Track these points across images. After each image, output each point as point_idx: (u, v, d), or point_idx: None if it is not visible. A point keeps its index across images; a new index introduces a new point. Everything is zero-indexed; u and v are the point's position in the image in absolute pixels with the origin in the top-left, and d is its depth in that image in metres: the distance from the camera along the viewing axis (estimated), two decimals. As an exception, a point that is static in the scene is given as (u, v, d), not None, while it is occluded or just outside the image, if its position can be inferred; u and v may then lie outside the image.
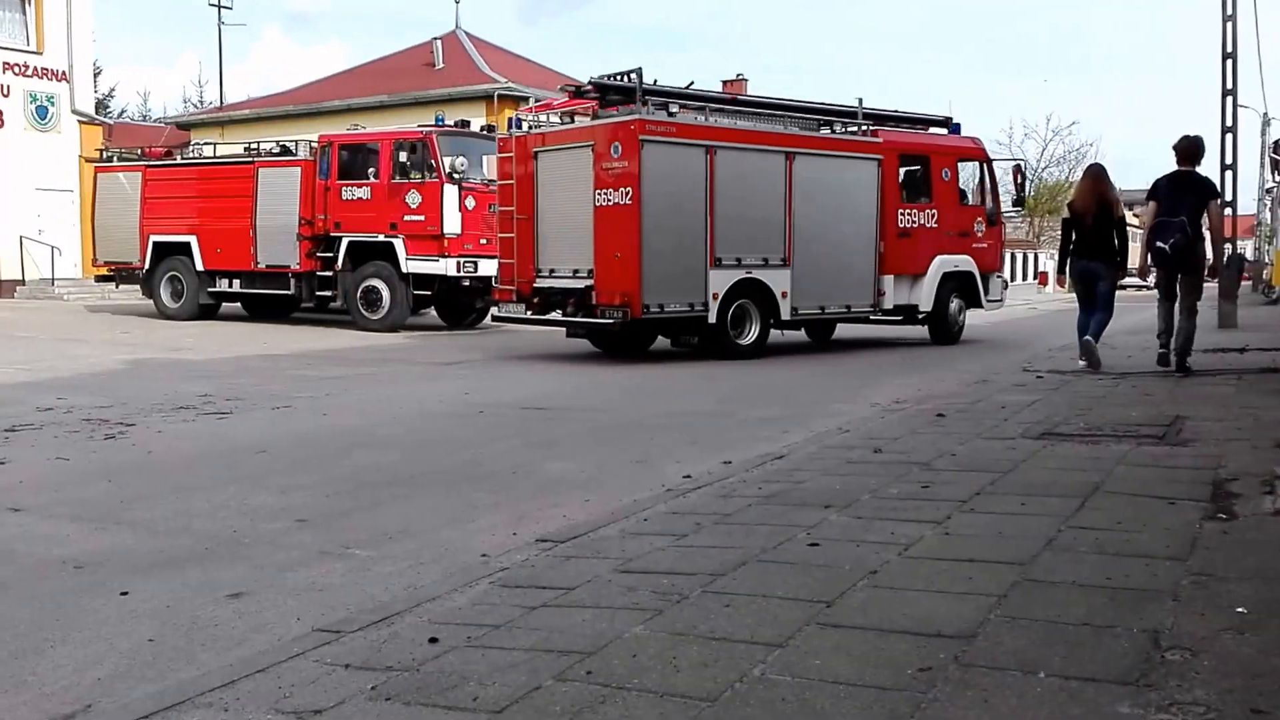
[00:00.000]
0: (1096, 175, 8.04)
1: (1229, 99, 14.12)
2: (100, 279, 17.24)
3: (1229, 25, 13.97)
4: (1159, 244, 7.03)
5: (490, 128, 15.36)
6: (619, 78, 9.88)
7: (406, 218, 13.49)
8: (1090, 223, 7.67)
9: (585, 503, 4.03)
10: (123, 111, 38.71)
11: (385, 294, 13.83)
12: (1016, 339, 13.61)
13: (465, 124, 14.57)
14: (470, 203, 13.54)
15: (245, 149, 15.57)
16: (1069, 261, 7.93)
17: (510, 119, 11.23)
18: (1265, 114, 25.01)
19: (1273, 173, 22.20)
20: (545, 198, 10.23)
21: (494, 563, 3.07)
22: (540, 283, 10.34)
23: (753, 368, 9.84)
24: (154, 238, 15.49)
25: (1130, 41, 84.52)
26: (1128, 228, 7.91)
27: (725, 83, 35.27)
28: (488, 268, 13.44)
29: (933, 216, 12.00)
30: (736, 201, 10.04)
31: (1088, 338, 7.76)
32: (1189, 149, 7.34)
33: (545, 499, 4.12)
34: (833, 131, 11.55)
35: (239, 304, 16.19)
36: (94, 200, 16.32)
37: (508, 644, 2.32)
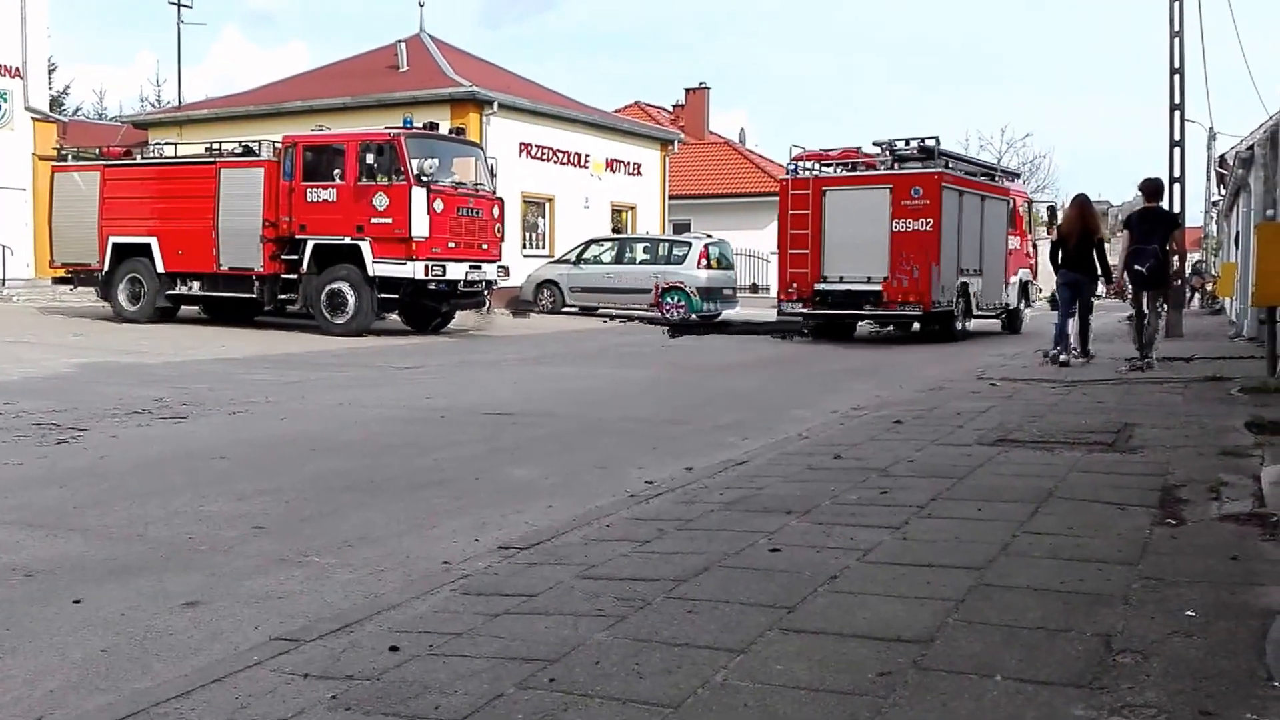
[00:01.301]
0: (1081, 204, 9.84)
1: (1176, 113, 14.60)
2: (58, 280, 16.58)
3: (1176, 41, 14.46)
4: (1137, 267, 8.78)
5: (459, 130, 15.19)
6: (911, 143, 14.10)
7: (374, 220, 13.28)
8: (1074, 242, 9.42)
9: (548, 509, 4.00)
10: (78, 109, 37.69)
11: (350, 298, 13.53)
12: (973, 348, 13.88)
13: (434, 126, 14.29)
14: (439, 205, 13.32)
15: (207, 149, 15.16)
16: (1057, 273, 9.63)
17: (790, 165, 14.77)
18: (1211, 128, 25.93)
19: (1218, 186, 23.00)
20: (832, 224, 13.93)
21: (456, 570, 3.03)
22: (821, 287, 13.96)
23: (714, 375, 9.90)
24: (113, 239, 15.00)
25: (1082, 56, 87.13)
26: (1105, 246, 9.85)
27: (687, 90, 35.59)
28: (456, 271, 13.54)
29: (1018, 242, 16.73)
30: (971, 230, 14.56)
31: (1059, 349, 9.41)
32: (1154, 189, 9.33)
33: (507, 505, 4.09)
34: (992, 180, 16.17)
35: (198, 307, 15.73)
36: (51, 200, 15.78)
37: (469, 652, 2.29)
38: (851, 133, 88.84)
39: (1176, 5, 14.37)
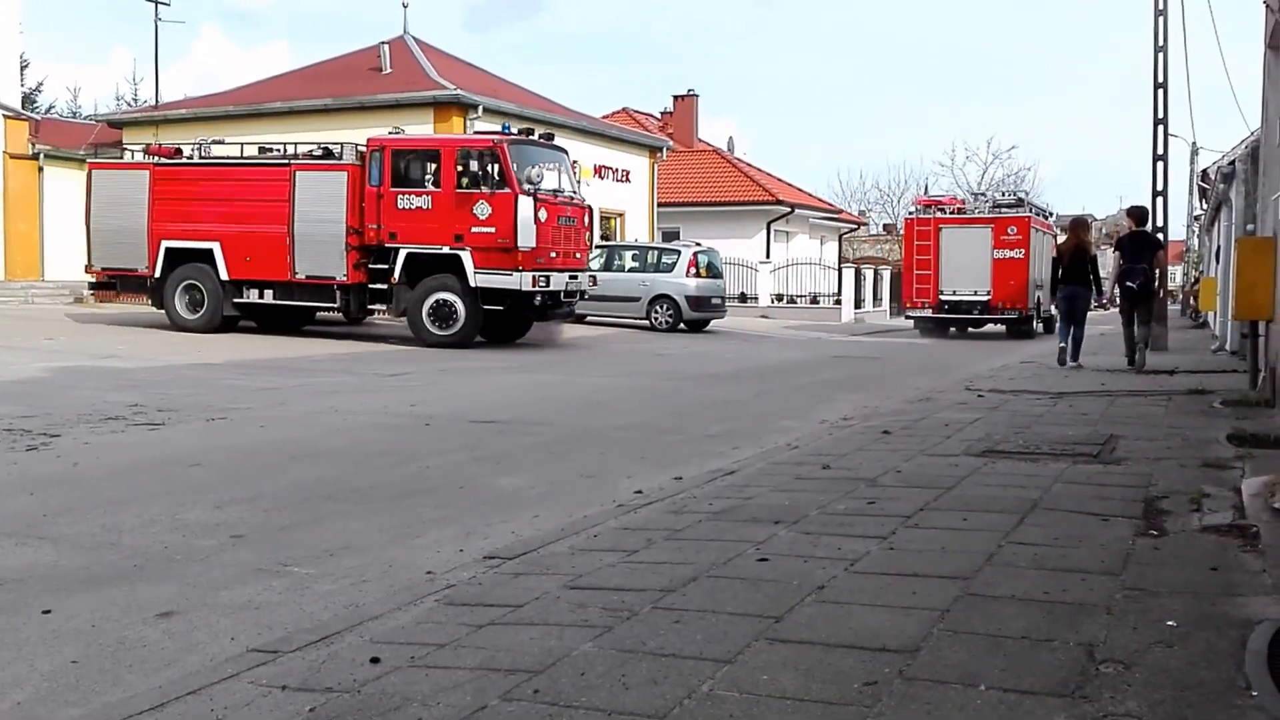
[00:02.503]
0: (1075, 227, 11.34)
1: (1160, 128, 14.78)
2: (95, 286, 15.43)
3: (1160, 56, 14.65)
4: (1128, 284, 10.24)
5: (549, 136, 14.35)
6: (1008, 194, 21.07)
7: (474, 229, 12.71)
8: (1069, 260, 10.79)
9: (534, 518, 3.99)
10: (51, 107, 37.27)
11: (460, 309, 12.88)
12: (960, 359, 13.97)
13: (530, 133, 13.85)
14: (543, 215, 12.77)
15: (254, 149, 14.28)
16: (1057, 287, 11.02)
17: (913, 208, 20.35)
18: (1194, 143, 26.24)
19: (1201, 200, 23.29)
20: (948, 252, 18.85)
21: (440, 580, 3.02)
22: (942, 298, 18.93)
23: (704, 385, 9.91)
24: (166, 243, 14.01)
25: (1068, 70, 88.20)
26: (1098, 263, 11.24)
27: (676, 98, 35.71)
28: (558, 281, 13.24)
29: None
30: (1039, 256, 18.72)
31: (1064, 344, 10.72)
32: (1141, 216, 11.22)
33: (493, 514, 4.07)
34: (1044, 218, 21.01)
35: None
36: (89, 201, 14.70)
37: (452, 663, 2.27)
38: (840, 142, 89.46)
39: (1161, 20, 14.58)
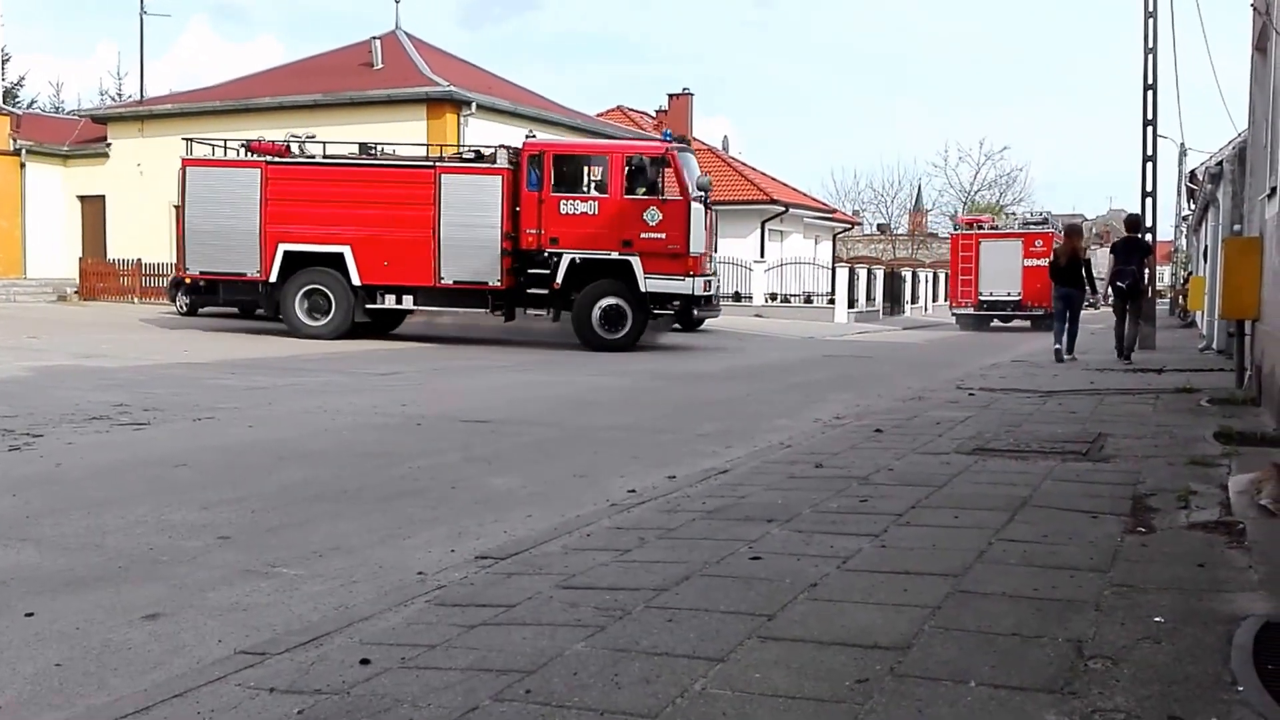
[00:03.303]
0: (1070, 232, 12.54)
1: (1149, 129, 14.87)
2: (187, 290, 14.55)
3: (1150, 58, 14.73)
4: (1119, 284, 11.57)
5: (683, 139, 14.76)
6: (1036, 214, 24.85)
7: (644, 235, 12.83)
8: (1065, 263, 11.78)
9: (527, 518, 3.98)
10: (33, 102, 36.96)
11: (629, 312, 13.04)
12: (950, 358, 14.02)
13: (683, 140, 14.19)
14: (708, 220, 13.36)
15: (378, 149, 13.76)
16: (1053, 286, 12.05)
17: (957, 225, 24.85)
18: (1182, 144, 26.35)
19: (1189, 201, 23.46)
20: (986, 261, 22.87)
21: (431, 580, 3.01)
22: (982, 299, 22.87)
23: (696, 384, 9.92)
24: (285, 246, 13.28)
25: (1059, 71, 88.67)
26: (1092, 267, 12.14)
27: (671, 96, 35.70)
28: (714, 284, 13.94)
29: None
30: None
31: (1058, 346, 11.54)
32: (1134, 223, 12.72)
33: (485, 514, 4.06)
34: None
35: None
36: (182, 201, 13.68)
37: (443, 664, 2.27)
38: (835, 141, 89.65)
39: (1151, 22, 14.66)
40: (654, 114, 36.28)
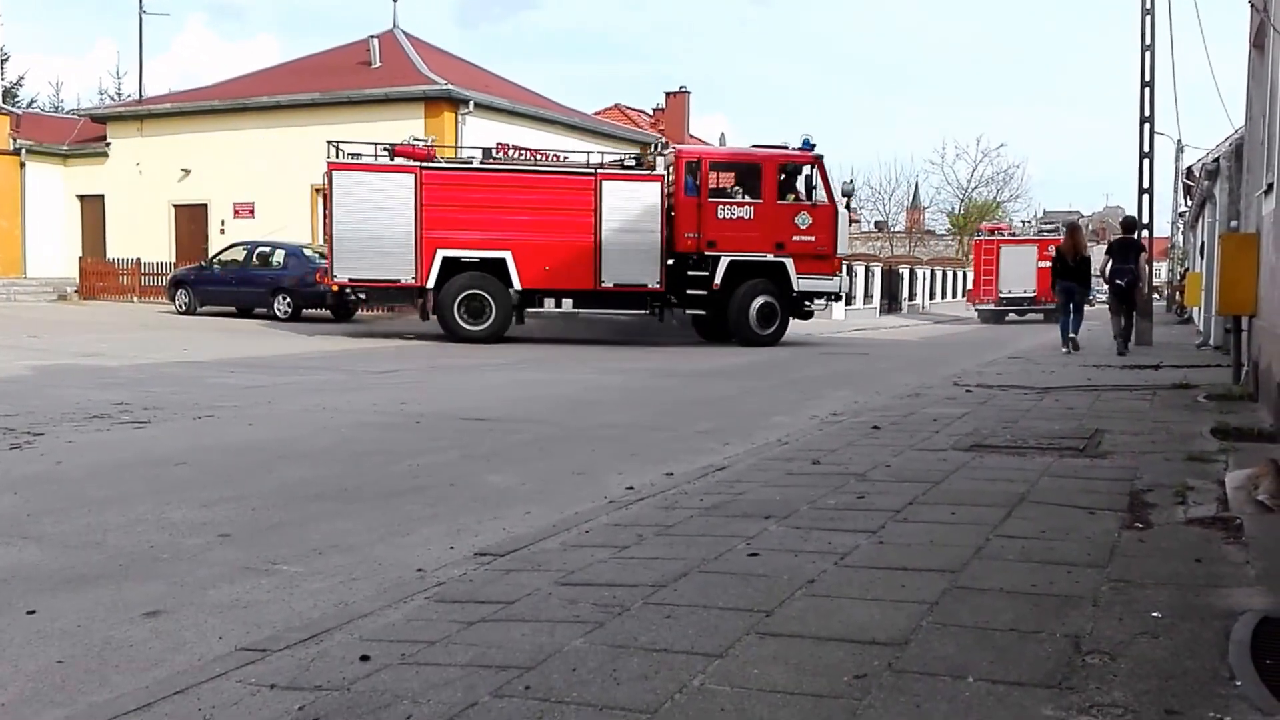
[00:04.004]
0: (1074, 230, 13.20)
1: (1146, 125, 14.87)
2: (338, 297, 14.25)
3: (1147, 54, 14.73)
4: (1117, 282, 12.52)
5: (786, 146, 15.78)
6: (1051, 222, 27.90)
7: (795, 238, 13.86)
8: (1070, 259, 12.45)
9: (525, 515, 3.99)
10: (33, 101, 36.91)
11: (778, 309, 14.18)
12: (946, 355, 14.03)
13: (813, 147, 14.61)
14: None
15: (532, 156, 14.13)
16: (1057, 282, 12.68)
17: (979, 232, 28.41)
18: (1179, 141, 26.40)
19: (1186, 197, 23.49)
20: (1005, 263, 26.31)
21: (430, 577, 3.01)
22: (1001, 295, 26.29)
23: (694, 381, 9.93)
24: (443, 252, 13.40)
25: (1056, 69, 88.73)
26: (1092, 263, 13.25)
27: (668, 94, 35.69)
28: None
29: None
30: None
31: (1073, 336, 12.33)
32: (1130, 225, 13.49)
33: (484, 512, 4.07)
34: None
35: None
36: (330, 205, 13.51)
37: (443, 660, 2.27)
38: (832, 139, 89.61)
39: (1148, 19, 14.66)
40: (651, 112, 36.27)
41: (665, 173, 13.78)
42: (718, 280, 13.84)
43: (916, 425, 5.97)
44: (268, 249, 18.79)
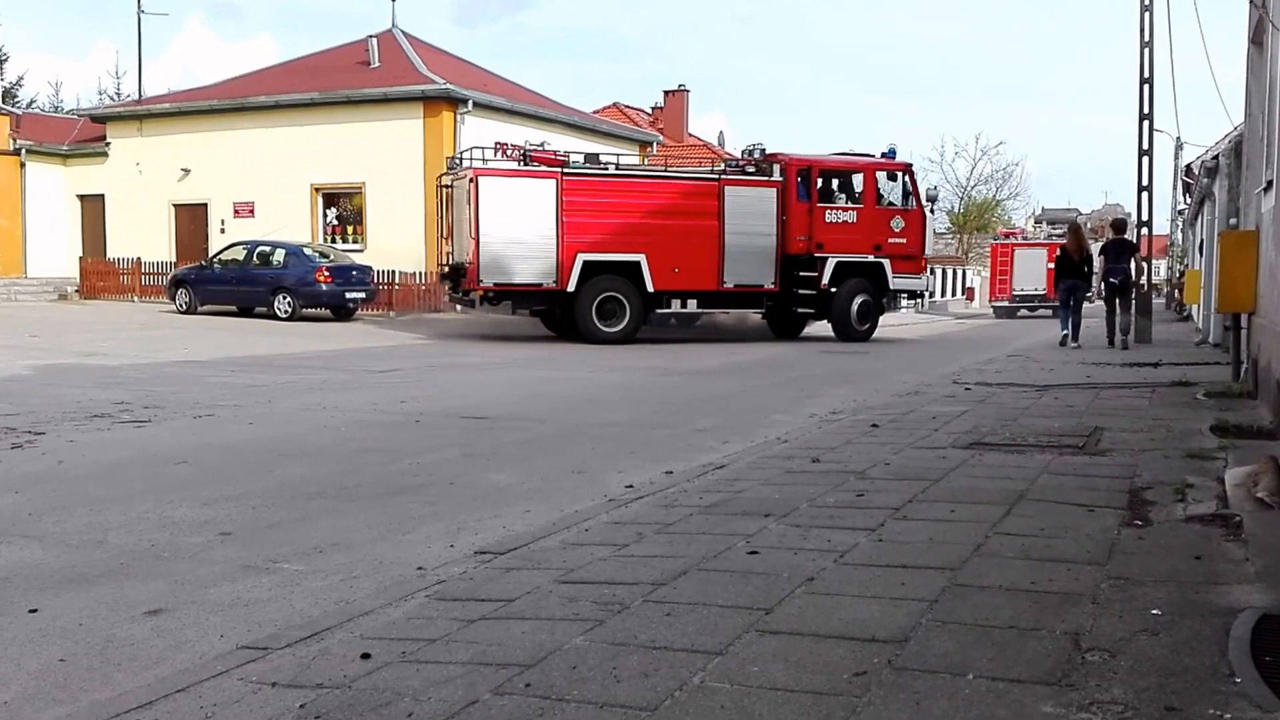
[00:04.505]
0: (1076, 230, 14.00)
1: (1145, 123, 14.87)
2: (485, 299, 13.70)
3: (1146, 52, 14.73)
4: (1111, 280, 13.22)
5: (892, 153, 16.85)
6: (1059, 227, 28.20)
7: (890, 240, 15.09)
8: (1074, 258, 13.09)
9: (525, 513, 3.99)
10: (32, 102, 36.92)
11: (873, 310, 15.38)
12: (945, 353, 14.04)
13: (893, 155, 15.73)
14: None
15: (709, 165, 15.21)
16: (1060, 280, 13.38)
17: (996, 236, 30.51)
18: (1179, 138, 26.40)
19: (1184, 195, 23.48)
20: (1018, 265, 28.76)
21: (430, 575, 3.02)
22: (1014, 293, 28.76)
23: (693, 380, 9.93)
24: (583, 256, 13.64)
25: (1054, 66, 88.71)
26: (1093, 261, 13.55)
27: (667, 93, 35.68)
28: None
29: None
30: None
31: (1067, 333, 12.97)
32: (1121, 225, 14.15)
33: (484, 510, 4.07)
34: None
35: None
36: (476, 212, 13.42)
37: (444, 658, 2.27)
38: (830, 136, 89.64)
39: (1147, 17, 14.65)
40: (650, 111, 36.23)
41: (783, 180, 14.78)
42: (825, 280, 14.79)
43: (916, 423, 5.97)
44: (268, 248, 18.81)
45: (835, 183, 15.20)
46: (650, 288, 14.05)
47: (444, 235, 14.54)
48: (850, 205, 15.07)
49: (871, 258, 15.07)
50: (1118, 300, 13.18)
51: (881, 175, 15.26)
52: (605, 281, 13.91)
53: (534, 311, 14.44)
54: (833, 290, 14.89)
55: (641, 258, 13.95)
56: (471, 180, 13.47)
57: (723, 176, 14.66)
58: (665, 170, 15.11)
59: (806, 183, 14.83)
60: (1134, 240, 14.36)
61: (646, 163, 15.27)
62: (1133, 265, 13.40)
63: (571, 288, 13.72)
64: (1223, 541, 3.13)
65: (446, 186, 14.50)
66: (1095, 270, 13.71)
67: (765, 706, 1.97)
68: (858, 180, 15.22)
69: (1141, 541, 3.17)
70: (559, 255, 13.62)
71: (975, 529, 3.31)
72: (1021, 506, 3.65)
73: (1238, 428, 5.34)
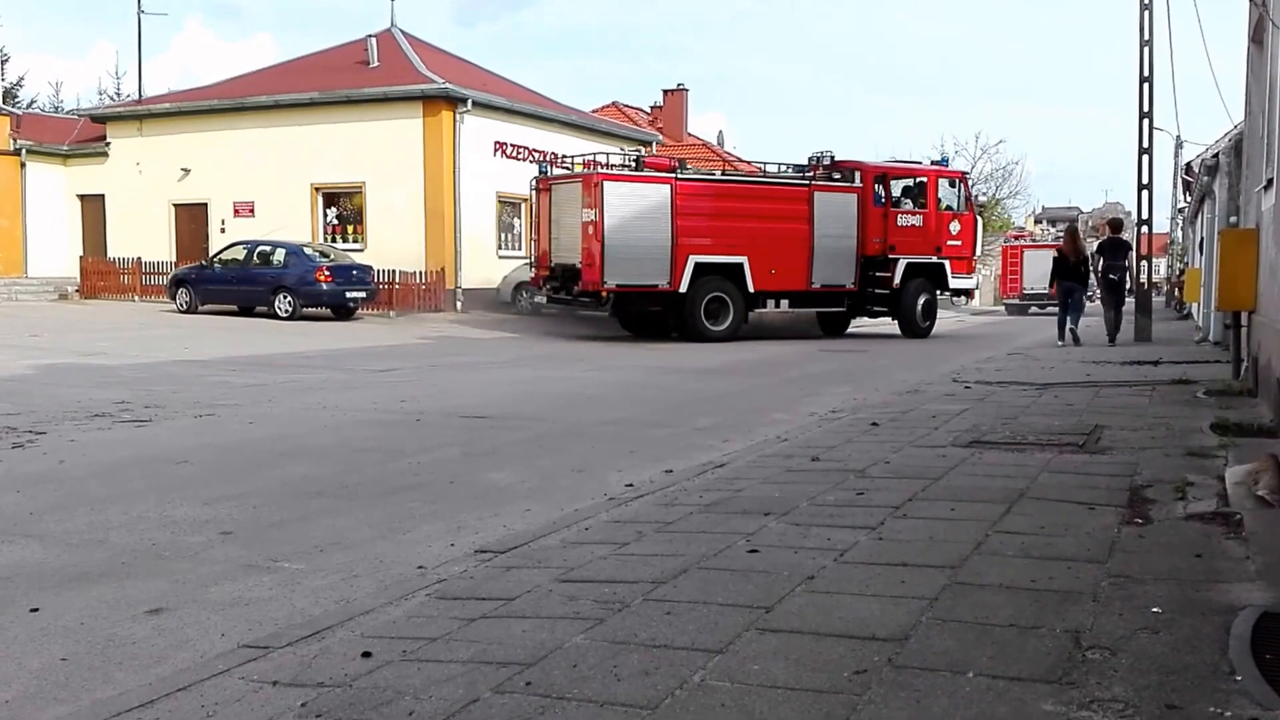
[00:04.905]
0: (1074, 233, 14.25)
1: (1145, 121, 14.86)
2: (605, 303, 14.24)
3: (1146, 50, 14.72)
4: (1111, 277, 13.79)
5: (945, 160, 18.99)
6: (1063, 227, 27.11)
7: (949, 243, 16.61)
8: (1070, 260, 13.58)
9: (525, 512, 3.99)
10: (32, 102, 36.92)
11: (934, 307, 16.92)
12: (945, 351, 14.05)
13: (946, 162, 17.75)
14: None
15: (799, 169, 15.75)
16: (1058, 281, 13.82)
17: (1007, 238, 31.53)
18: (1178, 136, 26.39)
19: (1185, 193, 23.48)
20: (1028, 265, 30.44)
21: (431, 574, 3.02)
22: (1024, 291, 30.56)
23: (692, 378, 9.93)
24: (695, 258, 14.36)
25: (1054, 65, 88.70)
26: (1090, 262, 14.07)
27: (666, 92, 35.64)
28: None
29: None
30: None
31: (1072, 327, 13.33)
32: (1118, 225, 15.03)
33: (484, 509, 4.07)
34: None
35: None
36: (602, 216, 13.98)
37: (445, 657, 2.27)
38: (830, 134, 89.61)
39: (1147, 15, 14.64)
40: (649, 110, 36.21)
41: (861, 186, 15.90)
42: (897, 280, 16.05)
43: (916, 422, 5.97)
44: (268, 248, 18.81)
45: (903, 188, 16.40)
46: (751, 288, 14.89)
47: (538, 238, 15.19)
48: (917, 210, 16.32)
49: (935, 259, 16.39)
50: (1114, 297, 13.86)
51: (944, 182, 16.67)
52: (713, 282, 14.66)
53: (640, 313, 15.16)
54: (900, 289, 16.17)
55: (744, 259, 14.77)
56: (595, 185, 13.98)
57: (812, 183, 15.57)
58: (763, 176, 15.88)
59: (884, 189, 16.13)
60: (1129, 240, 15.13)
61: (726, 169, 16.48)
62: (1127, 264, 14.01)
63: (684, 288, 14.44)
64: (1223, 539, 3.13)
65: (543, 190, 15.09)
66: (1094, 269, 14.28)
67: (766, 705, 1.97)
68: (923, 186, 16.53)
69: (1142, 540, 3.17)
70: (673, 257, 14.32)
71: (975, 527, 3.31)
72: (1022, 505, 3.65)
73: (1238, 426, 5.34)
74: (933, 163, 17.48)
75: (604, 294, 14.12)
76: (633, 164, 14.69)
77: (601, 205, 13.84)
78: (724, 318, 14.77)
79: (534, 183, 15.54)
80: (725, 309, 14.76)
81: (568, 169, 15.51)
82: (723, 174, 15.77)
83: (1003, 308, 32.69)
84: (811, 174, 15.82)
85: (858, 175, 16.01)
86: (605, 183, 13.99)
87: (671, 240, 14.20)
